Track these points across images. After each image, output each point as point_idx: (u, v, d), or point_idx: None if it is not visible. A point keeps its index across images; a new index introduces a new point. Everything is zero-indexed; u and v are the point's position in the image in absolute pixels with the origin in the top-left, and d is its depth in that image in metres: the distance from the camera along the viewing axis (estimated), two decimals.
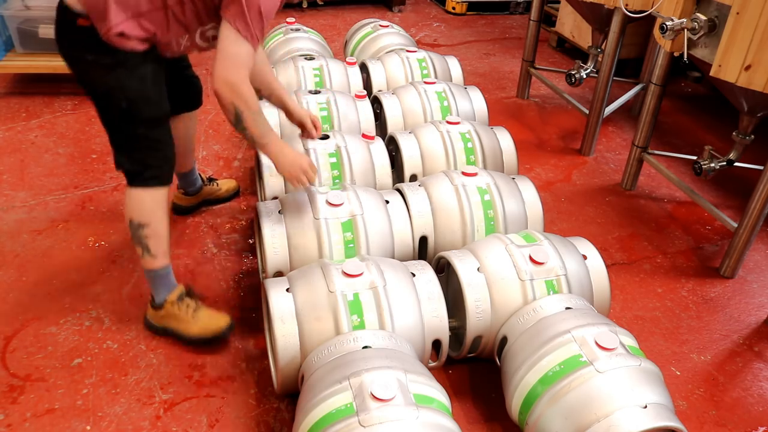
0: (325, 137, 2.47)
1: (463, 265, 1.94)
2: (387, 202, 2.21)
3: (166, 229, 2.02)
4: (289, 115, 2.32)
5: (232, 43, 1.75)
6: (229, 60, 1.77)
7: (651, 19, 2.88)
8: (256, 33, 1.76)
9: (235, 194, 2.89)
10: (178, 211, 2.74)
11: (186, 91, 2.34)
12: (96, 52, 1.79)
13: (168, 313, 2.08)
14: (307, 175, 2.06)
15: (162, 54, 1.92)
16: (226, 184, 2.86)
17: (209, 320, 2.09)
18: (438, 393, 1.55)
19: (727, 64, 2.33)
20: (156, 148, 1.96)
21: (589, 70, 3.52)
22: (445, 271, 2.16)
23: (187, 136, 2.48)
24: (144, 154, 1.95)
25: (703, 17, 2.45)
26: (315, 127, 2.33)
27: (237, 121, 1.87)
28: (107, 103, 1.90)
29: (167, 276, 2.07)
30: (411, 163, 2.58)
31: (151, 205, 1.98)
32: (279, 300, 1.78)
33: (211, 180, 2.82)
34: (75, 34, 1.79)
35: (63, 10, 1.79)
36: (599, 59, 3.43)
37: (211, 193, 2.81)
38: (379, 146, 2.57)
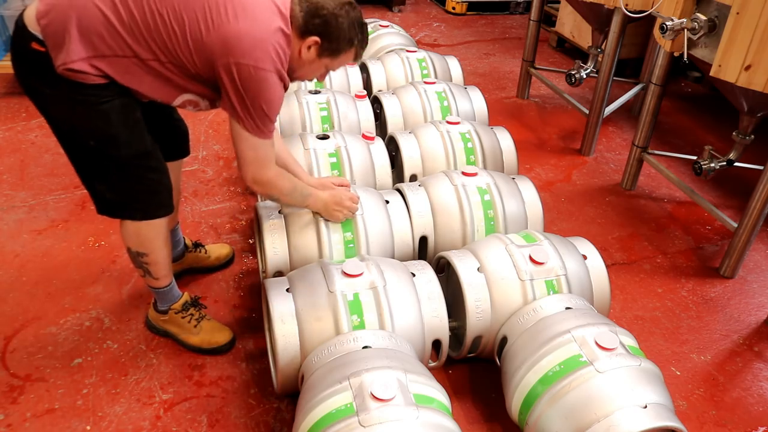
0: (325, 137, 2.47)
1: (463, 265, 1.94)
2: (387, 202, 2.21)
3: (167, 255, 1.94)
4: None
5: (246, 143, 1.69)
6: (251, 162, 1.74)
7: (651, 19, 2.88)
8: (265, 129, 1.68)
9: (228, 262, 2.47)
10: None
11: (170, 140, 2.02)
12: (53, 85, 1.57)
13: (171, 319, 2.06)
14: (351, 208, 2.06)
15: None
16: (216, 251, 2.44)
17: (211, 333, 2.07)
18: (438, 393, 1.55)
19: (727, 64, 2.33)
20: (141, 178, 1.76)
21: (589, 70, 3.52)
22: (445, 271, 2.16)
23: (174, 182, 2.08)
24: (124, 189, 1.76)
25: (703, 17, 2.45)
26: (343, 185, 2.15)
27: (276, 202, 2.01)
28: (73, 142, 1.71)
29: (171, 290, 2.04)
30: (411, 163, 2.58)
31: (148, 234, 1.84)
32: (279, 300, 1.78)
33: (197, 246, 2.40)
34: (29, 59, 1.57)
35: (20, 28, 1.56)
36: (599, 59, 3.43)
37: (197, 261, 2.39)
38: (379, 146, 2.57)
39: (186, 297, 2.08)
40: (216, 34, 1.55)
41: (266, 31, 1.58)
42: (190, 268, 2.39)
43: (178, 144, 2.09)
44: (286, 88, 1.70)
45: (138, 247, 1.86)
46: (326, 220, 2.06)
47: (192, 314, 2.06)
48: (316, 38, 1.68)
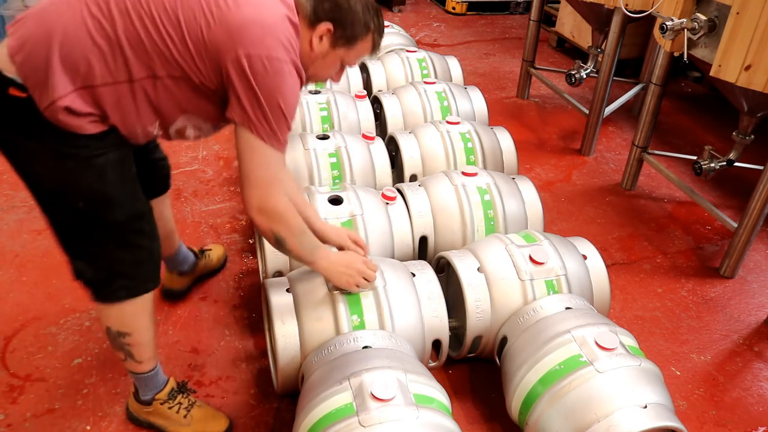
0: (325, 137, 2.47)
1: (463, 265, 1.94)
2: (387, 202, 2.21)
3: (153, 335, 1.67)
4: (322, 238, 1.81)
5: (257, 157, 1.43)
6: (260, 184, 1.47)
7: (651, 19, 2.88)
8: (281, 136, 1.44)
9: (225, 261, 2.47)
10: (169, 296, 2.25)
11: (152, 178, 1.82)
12: (36, 137, 1.34)
13: (156, 410, 1.76)
14: (366, 275, 1.75)
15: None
16: (215, 252, 2.41)
17: (204, 423, 1.78)
18: (438, 393, 1.55)
19: (727, 64, 2.33)
20: (132, 245, 1.52)
21: (589, 70, 3.52)
22: (445, 271, 2.16)
23: (163, 219, 1.92)
24: (111, 259, 1.51)
25: (703, 17, 2.45)
26: (359, 246, 1.86)
27: (279, 245, 1.59)
28: (57, 204, 1.45)
29: (155, 376, 1.73)
30: (411, 163, 2.58)
31: (132, 311, 1.58)
32: (279, 300, 1.78)
33: (203, 252, 2.36)
34: (6, 108, 1.33)
35: None
36: (599, 59, 3.43)
37: (206, 267, 2.36)
38: (379, 146, 2.57)
39: (172, 383, 1.78)
40: (218, 28, 1.35)
41: (273, 18, 1.39)
42: (198, 277, 2.32)
43: (160, 182, 1.91)
44: (302, 83, 1.49)
45: (119, 326, 1.59)
46: (326, 220, 2.05)
47: (180, 403, 1.77)
48: (328, 25, 1.48)
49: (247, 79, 1.36)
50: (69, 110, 1.31)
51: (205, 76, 1.40)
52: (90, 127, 1.35)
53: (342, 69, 1.63)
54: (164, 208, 1.96)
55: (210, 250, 2.39)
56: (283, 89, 1.40)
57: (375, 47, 1.61)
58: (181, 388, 1.81)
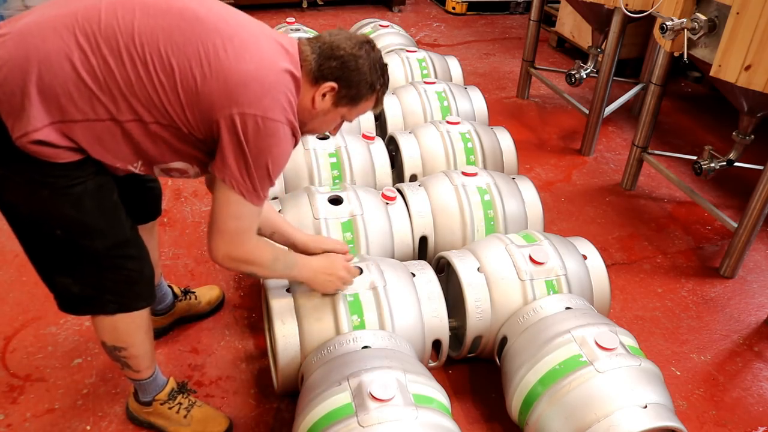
0: (325, 137, 2.47)
1: (463, 265, 1.94)
2: (387, 202, 2.21)
3: (150, 347, 1.64)
4: (304, 248, 1.79)
5: (231, 210, 1.39)
6: (230, 234, 1.43)
7: (651, 19, 2.88)
8: (263, 194, 1.40)
9: (219, 305, 2.24)
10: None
11: (141, 203, 1.73)
12: (8, 164, 1.26)
13: (156, 411, 1.76)
14: (345, 280, 1.73)
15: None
16: (206, 295, 2.20)
17: (204, 424, 1.77)
18: (437, 393, 1.55)
19: (727, 64, 2.33)
20: (118, 269, 1.45)
21: (589, 70, 3.52)
22: (445, 271, 2.16)
23: (148, 249, 1.65)
24: (99, 278, 1.45)
25: (703, 17, 2.45)
26: (339, 250, 1.82)
27: (251, 276, 1.57)
28: (32, 231, 1.38)
29: (154, 380, 1.72)
30: (411, 163, 2.58)
31: (127, 328, 1.54)
32: (279, 300, 1.78)
33: (186, 293, 2.15)
34: None
35: None
36: (599, 59, 3.43)
37: (189, 309, 2.15)
38: (379, 146, 2.57)
39: (172, 383, 1.77)
40: (214, 82, 1.29)
41: (275, 74, 1.34)
42: (180, 318, 2.14)
43: (150, 207, 1.81)
44: (296, 142, 1.44)
45: (114, 341, 1.56)
46: (326, 220, 2.06)
47: (180, 403, 1.76)
48: (332, 84, 1.43)
49: (238, 138, 1.31)
50: (46, 144, 1.23)
51: (194, 127, 1.33)
52: (66, 156, 1.27)
53: (341, 124, 1.58)
54: (151, 239, 1.81)
55: (194, 293, 2.17)
56: (274, 151, 1.36)
57: (378, 104, 1.57)
58: (181, 389, 1.80)
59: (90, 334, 2.12)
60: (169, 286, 2.09)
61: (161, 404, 1.75)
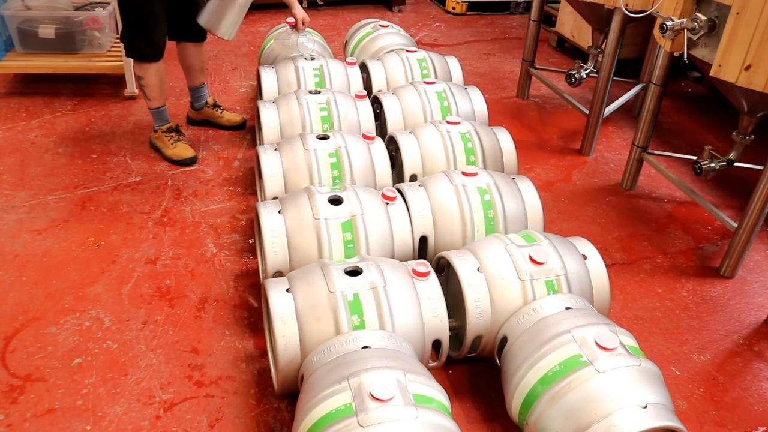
0: (325, 137, 2.47)
1: (463, 265, 1.94)
2: (387, 202, 2.21)
3: (159, 82, 2.89)
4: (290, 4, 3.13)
5: None
6: None
7: (651, 19, 2.88)
8: None
9: (237, 126, 3.37)
10: (189, 122, 3.43)
11: (188, 20, 2.84)
12: None
13: (158, 137, 3.05)
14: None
15: None
16: (229, 115, 3.37)
17: (180, 151, 3.03)
18: (437, 393, 1.55)
19: (727, 64, 2.33)
20: (138, 28, 2.69)
21: (589, 70, 3.51)
22: (445, 271, 2.16)
23: (192, 58, 3.13)
24: (128, 31, 2.76)
25: (703, 17, 2.45)
26: (304, 23, 3.19)
27: None
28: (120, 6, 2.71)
29: (161, 113, 3.02)
30: (411, 163, 2.58)
31: (142, 66, 2.84)
32: (279, 300, 1.78)
33: (215, 105, 3.36)
34: None
35: None
36: (599, 59, 3.43)
37: (212, 116, 3.35)
38: (379, 146, 2.57)
39: (171, 124, 3.06)
40: None
41: None
42: (205, 120, 3.39)
43: (192, 25, 2.86)
44: None
45: (138, 71, 2.91)
46: (326, 220, 2.05)
47: (172, 136, 3.04)
48: None
49: None
50: None
51: None
52: None
53: None
54: (197, 54, 3.15)
55: (221, 108, 3.38)
56: None
57: None
58: (176, 129, 3.08)
59: (90, 334, 2.12)
60: (208, 97, 3.38)
61: (162, 132, 3.05)
